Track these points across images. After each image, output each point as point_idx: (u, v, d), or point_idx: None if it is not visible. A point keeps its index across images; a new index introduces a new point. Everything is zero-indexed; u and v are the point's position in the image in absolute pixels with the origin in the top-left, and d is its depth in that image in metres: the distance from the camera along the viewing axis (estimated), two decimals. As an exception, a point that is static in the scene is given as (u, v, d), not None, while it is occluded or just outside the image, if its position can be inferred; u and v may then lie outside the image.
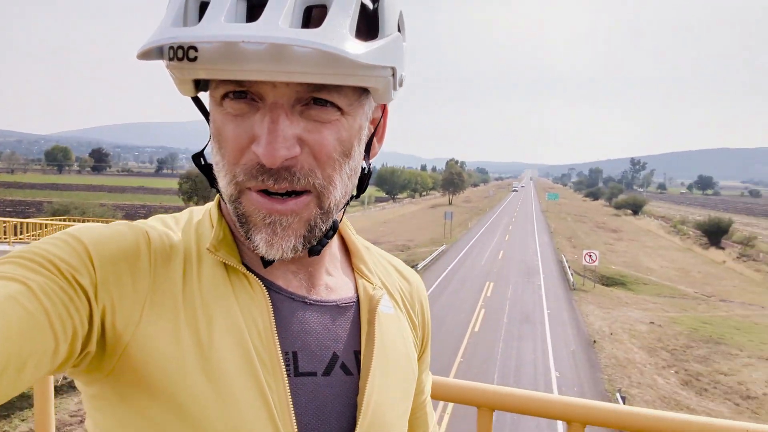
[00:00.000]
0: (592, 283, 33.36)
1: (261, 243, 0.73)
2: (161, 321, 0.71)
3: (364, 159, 0.82)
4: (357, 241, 0.95)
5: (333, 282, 0.87)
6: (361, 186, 0.83)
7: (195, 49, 0.64)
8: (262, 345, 0.74)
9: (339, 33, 0.63)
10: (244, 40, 0.61)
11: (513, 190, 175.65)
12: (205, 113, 0.80)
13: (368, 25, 0.70)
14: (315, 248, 0.79)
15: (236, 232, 0.82)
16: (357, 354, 0.83)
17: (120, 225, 0.77)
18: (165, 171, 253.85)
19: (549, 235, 58.82)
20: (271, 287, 0.80)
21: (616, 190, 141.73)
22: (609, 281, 36.05)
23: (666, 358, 20.91)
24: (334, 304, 0.84)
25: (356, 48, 0.64)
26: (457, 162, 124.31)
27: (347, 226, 0.95)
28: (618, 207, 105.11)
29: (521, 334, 22.09)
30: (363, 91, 0.74)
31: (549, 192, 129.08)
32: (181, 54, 0.64)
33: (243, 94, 0.69)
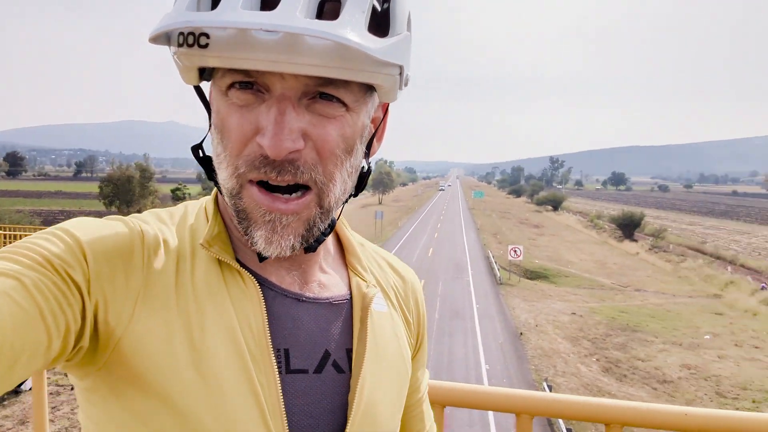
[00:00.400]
0: (518, 278, 34.24)
1: (260, 240, 0.72)
2: (153, 317, 0.70)
3: (365, 157, 0.81)
4: (352, 237, 0.94)
5: (326, 279, 0.86)
6: (360, 184, 0.82)
7: (207, 35, 0.63)
8: (254, 342, 0.73)
9: (355, 27, 0.63)
10: (262, 28, 0.60)
11: (440, 189, 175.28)
12: (206, 104, 0.78)
13: (378, 23, 0.70)
14: (311, 246, 0.79)
15: (231, 228, 0.81)
16: (349, 352, 0.82)
17: (114, 220, 0.76)
18: (84, 174, 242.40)
19: (476, 232, 60.02)
20: (264, 284, 0.78)
21: (537, 187, 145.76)
22: (533, 275, 37.05)
23: (587, 347, 21.75)
24: (327, 301, 0.83)
25: (372, 43, 0.64)
26: (386, 162, 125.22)
27: (343, 223, 0.93)
28: (539, 203, 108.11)
29: (452, 329, 22.46)
30: (368, 89, 0.73)
31: (475, 190, 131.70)
32: (191, 40, 0.63)
33: (249, 84, 0.68)
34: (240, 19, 0.60)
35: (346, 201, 0.81)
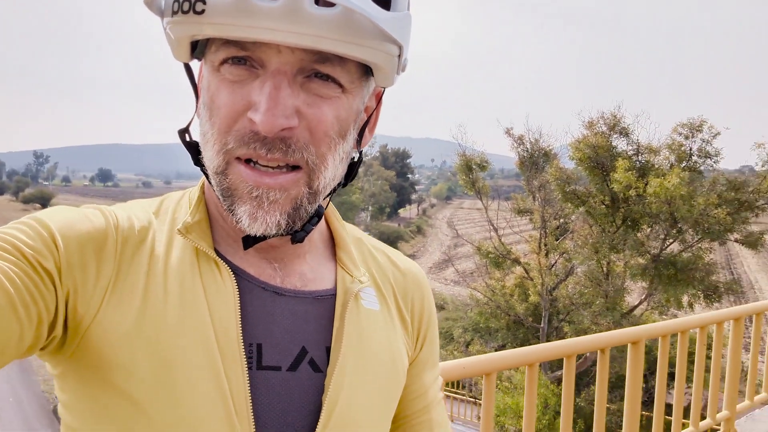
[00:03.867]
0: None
1: (244, 216, 0.62)
2: (121, 307, 0.62)
3: (356, 146, 0.71)
4: (343, 230, 0.80)
5: (311, 273, 0.74)
6: (350, 174, 0.72)
7: (203, 1, 0.55)
8: (224, 335, 0.63)
9: None
10: None
11: None
12: (193, 84, 0.68)
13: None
14: (299, 234, 0.69)
15: (215, 216, 0.71)
16: (329, 350, 0.70)
17: (89, 209, 0.67)
18: None
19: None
20: (241, 275, 0.68)
21: (23, 183, 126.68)
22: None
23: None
24: (309, 296, 0.71)
25: (381, 14, 0.57)
26: None
27: (335, 216, 0.81)
28: (26, 201, 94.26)
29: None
30: (365, 71, 0.64)
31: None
32: (187, 7, 0.55)
33: (243, 60, 0.60)
34: None
35: (335, 190, 0.70)
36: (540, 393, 11.66)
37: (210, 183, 0.67)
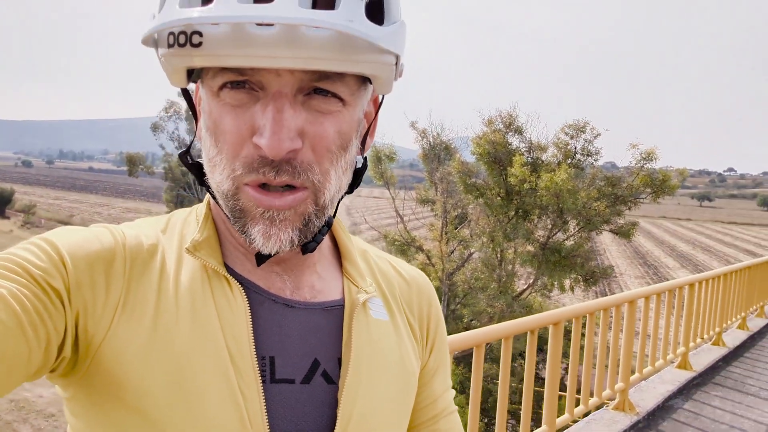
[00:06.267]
0: None
1: (258, 236, 0.61)
2: (132, 325, 0.60)
3: (359, 153, 0.70)
4: (349, 242, 0.79)
5: (320, 284, 0.72)
6: (355, 181, 0.71)
7: (200, 34, 0.53)
8: (237, 349, 0.62)
9: (357, 15, 0.55)
10: (262, 21, 0.51)
11: None
12: (191, 106, 0.68)
13: (372, 11, 0.60)
14: (309, 245, 0.68)
15: (223, 232, 0.70)
16: (341, 362, 0.68)
17: (97, 228, 0.66)
18: None
19: None
20: (251, 289, 0.67)
21: None
22: None
23: None
24: (319, 307, 0.70)
25: (374, 31, 0.56)
26: None
27: (340, 228, 0.79)
28: None
29: None
30: (363, 81, 0.63)
31: None
32: (183, 40, 0.54)
33: (242, 84, 0.58)
34: (236, 13, 0.52)
35: (341, 199, 0.70)
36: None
37: (216, 202, 0.66)
